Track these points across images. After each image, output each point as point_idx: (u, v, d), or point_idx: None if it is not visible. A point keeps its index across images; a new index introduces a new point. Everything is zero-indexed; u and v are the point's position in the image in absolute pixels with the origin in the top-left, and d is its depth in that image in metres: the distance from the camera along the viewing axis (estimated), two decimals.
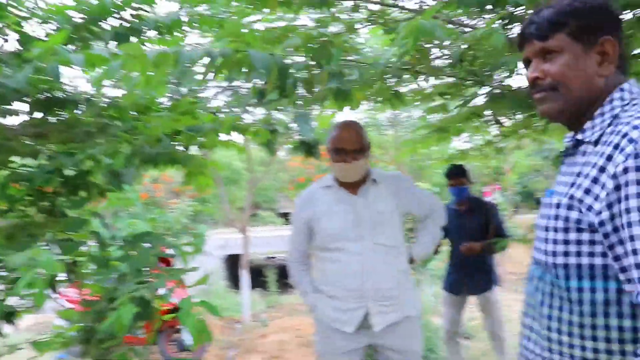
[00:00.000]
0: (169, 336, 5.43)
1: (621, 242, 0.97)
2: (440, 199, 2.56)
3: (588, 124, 1.10)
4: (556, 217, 1.09)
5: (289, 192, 22.79)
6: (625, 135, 0.98)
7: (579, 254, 1.05)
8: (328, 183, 2.38)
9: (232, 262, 17.65)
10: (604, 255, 1.02)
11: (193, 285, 2.26)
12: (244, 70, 1.98)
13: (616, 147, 0.99)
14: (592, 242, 1.03)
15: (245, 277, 7.53)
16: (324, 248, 2.34)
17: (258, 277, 12.41)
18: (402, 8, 2.64)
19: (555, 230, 1.09)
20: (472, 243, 3.70)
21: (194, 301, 1.81)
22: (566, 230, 1.07)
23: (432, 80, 2.95)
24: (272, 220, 28.01)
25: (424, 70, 2.50)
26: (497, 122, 3.13)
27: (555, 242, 1.09)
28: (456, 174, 3.86)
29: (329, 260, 2.34)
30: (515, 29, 1.69)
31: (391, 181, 2.37)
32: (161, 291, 2.04)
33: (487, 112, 3.07)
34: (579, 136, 1.12)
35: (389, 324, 2.28)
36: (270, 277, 10.05)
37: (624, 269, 0.98)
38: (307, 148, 12.59)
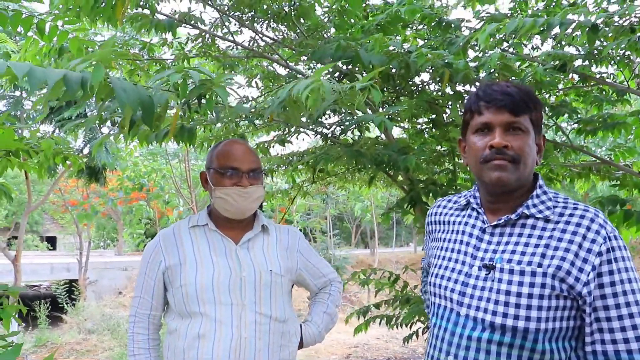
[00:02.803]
0: None
1: (606, 307, 1.15)
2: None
3: (529, 202, 1.27)
4: (532, 285, 1.18)
5: (59, 215, 20.51)
6: (592, 220, 1.20)
7: (554, 319, 1.18)
8: (201, 222, 1.80)
9: None
10: (574, 318, 1.19)
11: None
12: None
13: (588, 228, 1.19)
14: (567, 308, 1.18)
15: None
16: (182, 313, 1.71)
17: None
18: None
19: (530, 296, 1.18)
20: None
21: None
22: (543, 297, 1.17)
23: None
24: (35, 244, 24.99)
25: (280, 118, 2.53)
26: (321, 170, 3.36)
27: (529, 307, 1.18)
28: None
29: (185, 332, 1.68)
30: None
31: (285, 235, 1.88)
32: None
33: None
34: (529, 211, 1.26)
35: None
36: (41, 310, 8.86)
37: (602, 330, 1.16)
38: (92, 173, 11.70)
